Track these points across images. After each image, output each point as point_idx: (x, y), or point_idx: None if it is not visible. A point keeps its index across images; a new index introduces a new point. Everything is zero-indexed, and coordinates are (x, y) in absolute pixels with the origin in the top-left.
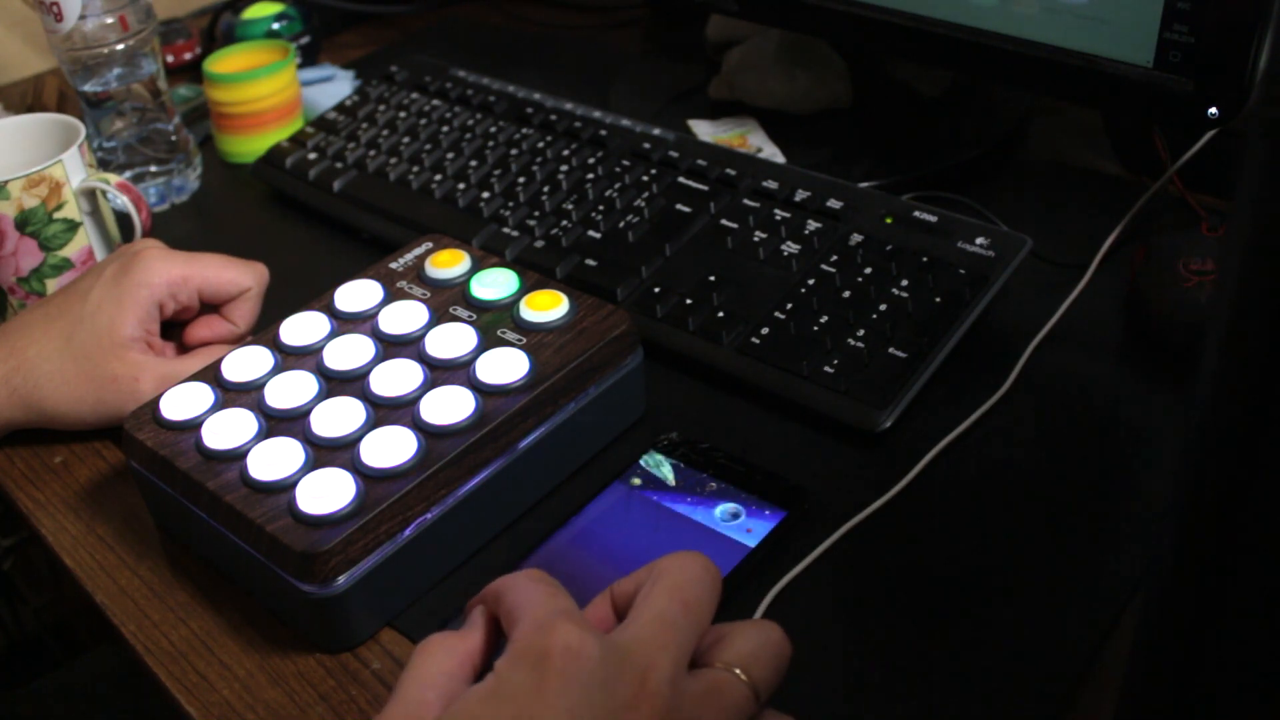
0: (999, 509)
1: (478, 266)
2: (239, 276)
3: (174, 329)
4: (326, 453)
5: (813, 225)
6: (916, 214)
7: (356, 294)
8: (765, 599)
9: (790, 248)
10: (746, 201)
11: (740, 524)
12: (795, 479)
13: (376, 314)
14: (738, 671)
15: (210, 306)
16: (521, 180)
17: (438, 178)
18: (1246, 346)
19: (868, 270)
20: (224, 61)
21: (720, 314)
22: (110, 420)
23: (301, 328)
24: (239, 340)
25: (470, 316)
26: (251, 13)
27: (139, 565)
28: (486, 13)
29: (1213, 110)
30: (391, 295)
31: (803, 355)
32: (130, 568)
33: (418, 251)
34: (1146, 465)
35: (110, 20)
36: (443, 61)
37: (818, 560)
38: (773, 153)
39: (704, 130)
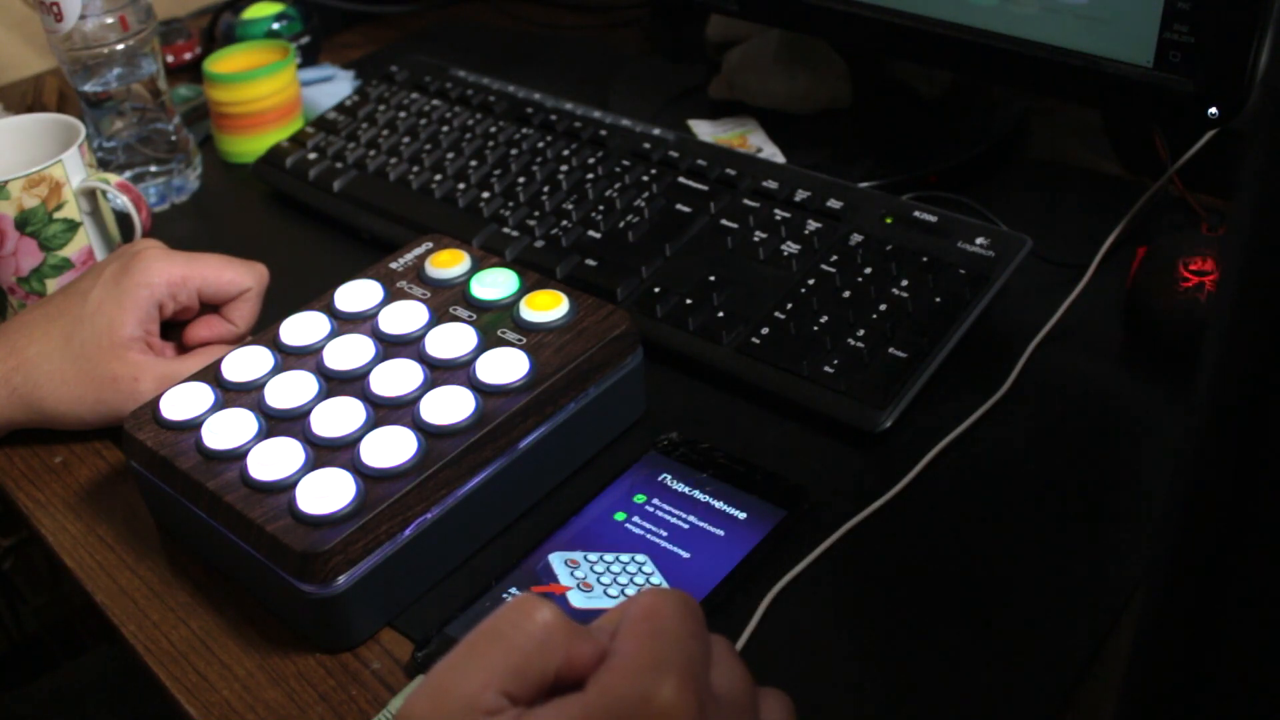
0: (999, 509)
1: (478, 266)
2: (239, 277)
3: (173, 329)
4: (326, 453)
5: (813, 225)
6: (916, 214)
7: (356, 294)
8: (765, 599)
9: (790, 248)
10: (746, 201)
11: (740, 524)
12: (795, 479)
13: (376, 314)
14: None
15: (210, 306)
16: (521, 180)
17: (438, 178)
18: (1246, 346)
19: (868, 270)
20: (224, 61)
21: (720, 314)
22: (110, 420)
23: (301, 328)
24: (239, 340)
25: (470, 316)
26: (251, 13)
27: (139, 565)
28: (486, 13)
29: (1213, 110)
30: (391, 295)
31: (803, 355)
32: (130, 568)
33: (418, 251)
34: (1146, 465)
35: (110, 20)
36: (443, 61)
37: (818, 560)
38: (773, 153)
39: (704, 130)
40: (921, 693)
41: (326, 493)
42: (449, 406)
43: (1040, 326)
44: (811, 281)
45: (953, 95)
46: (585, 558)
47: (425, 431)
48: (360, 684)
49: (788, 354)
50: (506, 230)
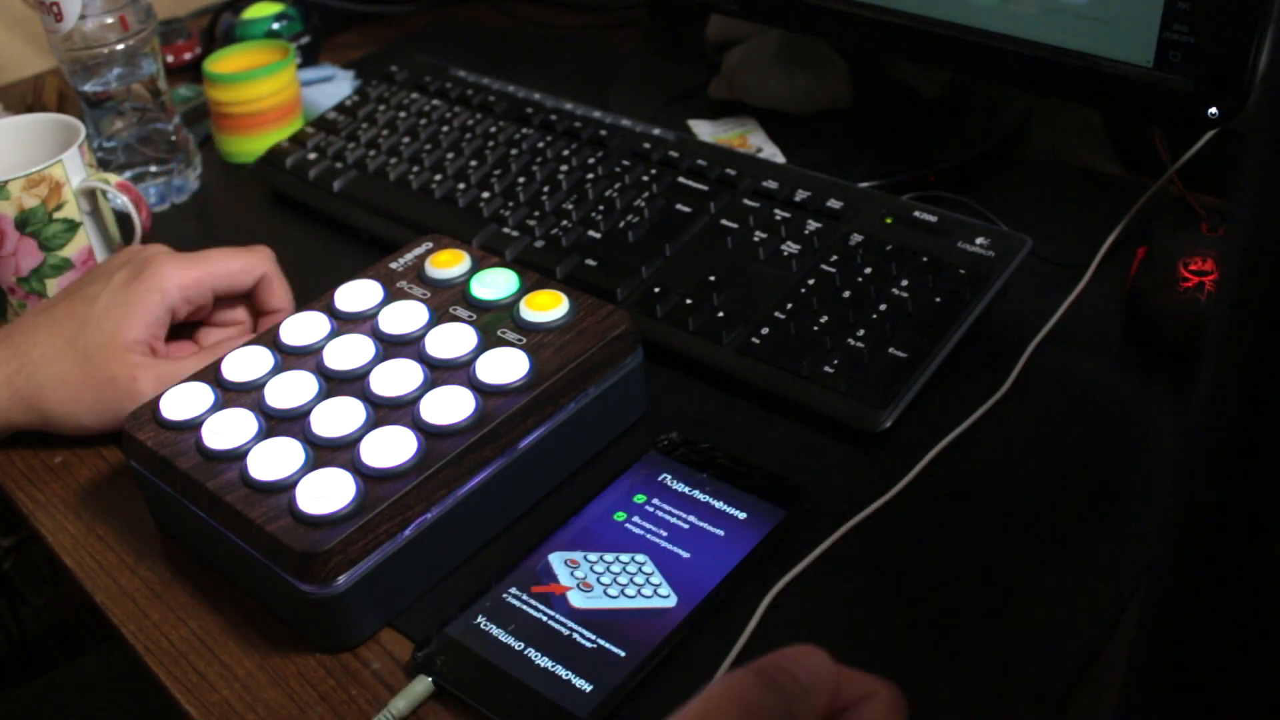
0: (999, 509)
1: (478, 266)
2: (248, 265)
3: (185, 330)
4: (326, 453)
5: (813, 225)
6: (916, 214)
7: (356, 294)
8: (765, 599)
9: (790, 248)
10: (746, 201)
11: (740, 524)
12: (795, 479)
13: (376, 314)
14: None
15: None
16: (521, 180)
17: (438, 178)
18: (1246, 346)
19: (868, 270)
20: (224, 61)
21: (720, 314)
22: (109, 423)
23: (301, 328)
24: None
25: (470, 316)
26: (251, 13)
27: (139, 565)
28: (486, 13)
29: (1213, 110)
30: (391, 295)
31: (803, 355)
32: (130, 568)
33: (418, 251)
34: (1146, 465)
35: (110, 20)
36: (443, 61)
37: (818, 560)
38: (773, 153)
39: (704, 130)
40: (921, 693)
41: (326, 493)
42: (449, 406)
43: (1040, 326)
44: (811, 281)
45: (953, 95)
46: (585, 558)
47: (425, 431)
48: (360, 684)
49: (788, 354)
50: (506, 230)
